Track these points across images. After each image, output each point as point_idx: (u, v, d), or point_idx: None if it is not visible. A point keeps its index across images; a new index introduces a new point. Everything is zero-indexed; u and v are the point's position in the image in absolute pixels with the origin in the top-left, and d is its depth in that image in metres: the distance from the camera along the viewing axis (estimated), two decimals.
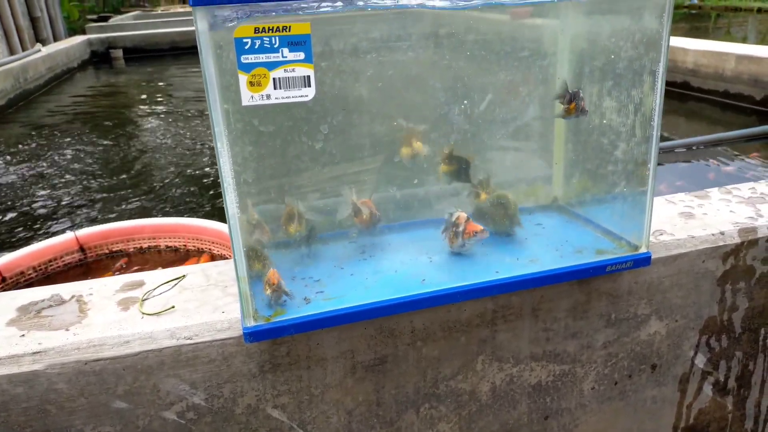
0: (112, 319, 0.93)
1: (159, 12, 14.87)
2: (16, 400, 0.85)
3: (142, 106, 6.25)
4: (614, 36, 1.00)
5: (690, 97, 4.70)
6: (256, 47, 0.71)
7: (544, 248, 1.06)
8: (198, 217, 2.53)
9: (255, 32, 0.70)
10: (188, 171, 3.93)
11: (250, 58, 0.71)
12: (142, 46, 9.84)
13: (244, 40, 0.70)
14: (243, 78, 0.72)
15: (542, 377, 1.13)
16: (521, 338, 1.08)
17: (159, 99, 6.58)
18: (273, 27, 0.71)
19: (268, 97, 0.74)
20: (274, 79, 0.73)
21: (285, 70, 0.73)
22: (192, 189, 3.61)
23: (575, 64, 1.10)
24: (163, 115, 5.77)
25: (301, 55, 0.73)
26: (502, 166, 1.17)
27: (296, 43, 0.72)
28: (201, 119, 5.44)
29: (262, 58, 0.72)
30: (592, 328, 1.13)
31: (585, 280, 1.07)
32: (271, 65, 0.72)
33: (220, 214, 3.15)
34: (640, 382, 1.22)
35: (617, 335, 1.16)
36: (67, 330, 0.91)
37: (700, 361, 1.25)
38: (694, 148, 3.32)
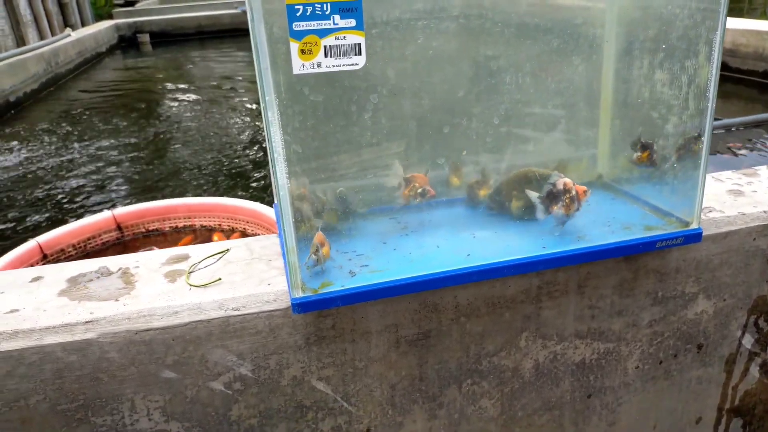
0: (159, 290, 0.94)
1: None
2: (70, 368, 0.87)
3: (170, 89, 6.31)
4: (667, 4, 0.97)
5: (727, 78, 4.57)
6: (308, 14, 0.70)
7: (591, 224, 1.03)
8: (230, 196, 2.55)
9: None
10: (220, 151, 3.96)
11: (302, 26, 0.70)
12: (169, 31, 9.92)
13: (296, 7, 0.70)
14: (294, 46, 0.71)
15: (586, 355, 1.12)
16: (566, 315, 1.06)
17: (187, 82, 6.63)
18: None
19: (319, 65, 0.73)
20: (325, 46, 0.72)
21: (336, 38, 0.72)
22: (225, 169, 3.64)
23: (623, 36, 1.07)
24: (192, 98, 5.82)
25: (353, 22, 0.72)
26: (546, 143, 1.15)
27: (348, 9, 0.71)
28: (230, 101, 5.47)
29: (314, 25, 0.71)
30: (639, 306, 1.11)
31: (632, 257, 1.05)
32: (323, 32, 0.71)
33: (253, 194, 3.18)
34: (685, 362, 1.20)
35: (664, 314, 1.13)
36: (116, 300, 0.92)
37: (748, 341, 1.22)
38: (733, 129, 3.23)
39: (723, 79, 4.61)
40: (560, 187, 0.96)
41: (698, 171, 0.98)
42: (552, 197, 0.97)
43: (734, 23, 4.66)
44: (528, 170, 1.01)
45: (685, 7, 0.92)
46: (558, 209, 0.97)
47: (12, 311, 0.90)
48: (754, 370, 1.25)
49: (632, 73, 1.08)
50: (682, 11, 0.92)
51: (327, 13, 0.70)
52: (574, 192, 0.96)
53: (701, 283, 1.13)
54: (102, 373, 0.88)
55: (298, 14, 0.69)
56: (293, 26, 0.70)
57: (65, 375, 0.87)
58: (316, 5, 0.70)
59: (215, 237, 2.02)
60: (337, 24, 0.71)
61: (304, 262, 0.88)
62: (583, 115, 1.17)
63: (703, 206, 1.14)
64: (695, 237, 1.01)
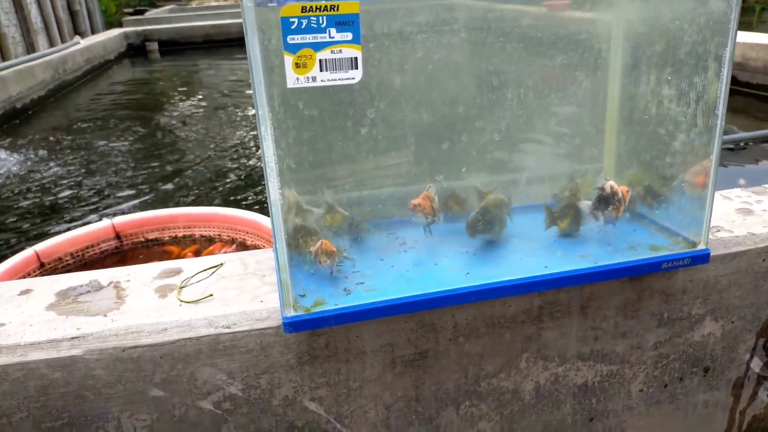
0: (149, 306, 0.92)
1: (194, 6, 15.06)
2: (55, 385, 0.84)
3: (177, 98, 6.32)
4: (675, 20, 0.94)
5: (737, 92, 4.54)
6: (303, 27, 0.68)
7: (595, 243, 1.01)
8: (232, 207, 2.53)
9: (302, 11, 0.67)
10: (223, 161, 3.95)
11: (297, 39, 0.68)
12: (177, 39, 9.97)
13: (291, 20, 0.68)
14: (288, 59, 0.69)
15: (589, 377, 1.09)
16: (568, 336, 1.03)
17: (194, 90, 6.65)
18: (321, 6, 0.68)
19: (314, 79, 0.71)
20: (320, 60, 0.70)
21: (332, 51, 0.70)
22: (227, 179, 3.62)
23: (629, 51, 1.05)
24: (197, 106, 5.83)
25: (349, 36, 0.70)
26: (550, 159, 1.12)
27: (344, 23, 0.69)
28: (234, 110, 5.48)
29: (309, 38, 0.69)
30: (643, 327, 1.07)
31: (637, 278, 1.02)
32: (318, 46, 0.69)
33: (254, 205, 3.16)
34: (691, 386, 1.16)
35: (669, 335, 1.10)
36: (105, 316, 0.90)
37: (756, 365, 1.18)
38: (742, 144, 3.20)
39: (732, 93, 4.57)
40: (609, 190, 0.96)
41: (706, 190, 0.95)
42: (603, 201, 0.97)
43: (744, 37, 4.63)
44: (501, 198, 1.00)
45: (694, 23, 0.90)
46: (610, 212, 0.98)
47: None
48: (763, 395, 1.22)
49: (639, 88, 1.05)
50: (691, 26, 0.90)
51: (323, 26, 0.68)
52: (620, 194, 0.96)
53: (708, 304, 1.10)
54: (87, 391, 0.86)
55: (293, 27, 0.67)
56: (288, 39, 0.68)
57: (50, 392, 0.84)
58: (312, 18, 0.68)
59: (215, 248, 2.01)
60: (333, 37, 0.69)
61: (300, 282, 0.85)
62: (588, 131, 1.14)
63: (711, 225, 1.11)
64: (703, 258, 0.97)
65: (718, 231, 1.11)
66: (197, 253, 1.95)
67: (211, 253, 1.93)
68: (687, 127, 0.96)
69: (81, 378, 0.85)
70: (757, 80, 4.43)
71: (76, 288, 0.99)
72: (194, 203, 3.23)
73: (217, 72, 7.92)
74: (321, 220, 0.94)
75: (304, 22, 0.68)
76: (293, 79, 0.70)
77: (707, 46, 0.89)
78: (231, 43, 9.79)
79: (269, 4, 0.66)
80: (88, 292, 0.98)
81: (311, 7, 0.67)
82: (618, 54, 1.06)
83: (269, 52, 0.69)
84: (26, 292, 0.98)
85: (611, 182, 0.97)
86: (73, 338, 0.85)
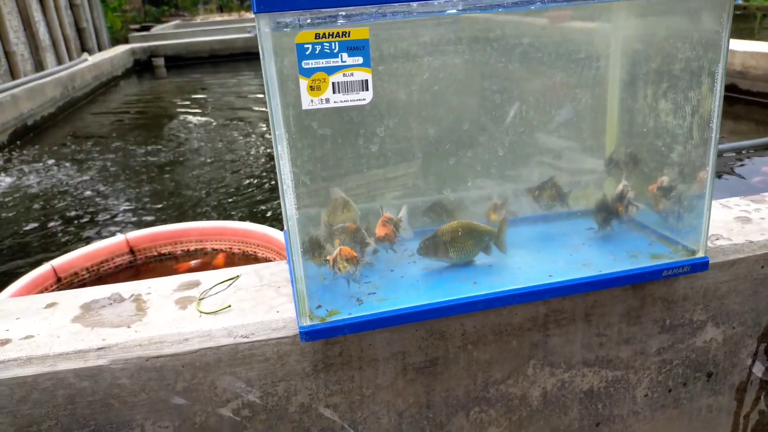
0: (171, 317, 0.96)
1: (198, 21, 15.23)
2: (82, 394, 0.88)
3: (184, 113, 6.41)
4: (670, 37, 0.99)
5: (738, 100, 4.57)
6: (317, 52, 0.73)
7: (597, 252, 1.04)
8: (242, 220, 2.58)
9: (316, 38, 0.72)
10: (233, 175, 4.01)
11: (311, 63, 0.73)
12: (183, 55, 10.10)
13: (305, 46, 0.72)
14: (303, 83, 0.73)
15: (594, 383, 1.12)
16: (574, 343, 1.07)
17: (200, 105, 6.73)
18: (333, 33, 0.72)
19: (327, 101, 0.75)
20: (333, 83, 0.74)
21: (344, 75, 0.74)
22: (236, 193, 3.68)
23: (627, 66, 1.09)
24: (205, 121, 5.91)
25: (360, 60, 0.74)
26: (551, 170, 1.16)
27: (355, 47, 0.73)
28: (241, 124, 5.54)
29: (322, 63, 0.73)
30: (646, 333, 1.11)
31: (639, 285, 1.06)
32: (331, 70, 0.74)
33: (264, 218, 3.21)
34: (695, 391, 1.19)
35: (672, 341, 1.13)
36: (128, 327, 0.94)
37: (758, 369, 1.21)
38: (743, 151, 3.23)
39: (733, 101, 4.61)
40: (623, 191, 1.07)
41: (703, 200, 0.99)
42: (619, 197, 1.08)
43: (744, 45, 4.67)
44: (470, 222, 1.02)
45: (687, 40, 0.94)
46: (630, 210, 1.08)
47: (27, 337, 0.92)
48: (766, 399, 1.24)
49: (637, 102, 1.09)
50: (684, 44, 0.94)
51: (335, 51, 0.73)
52: (631, 193, 1.07)
53: (709, 310, 1.13)
54: (113, 399, 0.90)
55: (307, 52, 0.72)
56: (302, 64, 0.72)
57: (77, 401, 0.88)
58: (325, 44, 0.72)
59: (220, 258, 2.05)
60: (345, 61, 0.73)
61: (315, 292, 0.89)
62: (587, 143, 1.18)
63: (710, 234, 1.15)
64: (702, 266, 1.01)
65: (717, 239, 1.14)
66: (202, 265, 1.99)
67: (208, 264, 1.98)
68: (683, 139, 1.00)
69: (107, 387, 0.89)
70: (758, 88, 4.47)
71: (99, 301, 1.03)
72: (205, 217, 3.28)
73: (223, 87, 8.01)
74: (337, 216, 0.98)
75: (318, 47, 0.72)
76: (308, 101, 0.74)
77: (701, 63, 0.93)
78: (236, 57, 9.91)
79: (284, 30, 0.71)
80: (111, 304, 1.02)
81: (324, 33, 0.72)
82: (616, 69, 1.10)
83: (285, 76, 0.74)
84: (52, 305, 1.02)
85: (623, 183, 1.06)
86: (99, 349, 0.89)
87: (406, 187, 1.05)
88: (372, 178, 0.96)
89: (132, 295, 1.04)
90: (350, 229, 0.95)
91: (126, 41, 11.14)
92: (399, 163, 1.01)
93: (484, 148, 1.05)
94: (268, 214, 3.32)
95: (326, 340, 0.93)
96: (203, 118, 6.04)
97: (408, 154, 1.01)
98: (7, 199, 3.79)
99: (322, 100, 0.74)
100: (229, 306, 0.98)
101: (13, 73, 7.08)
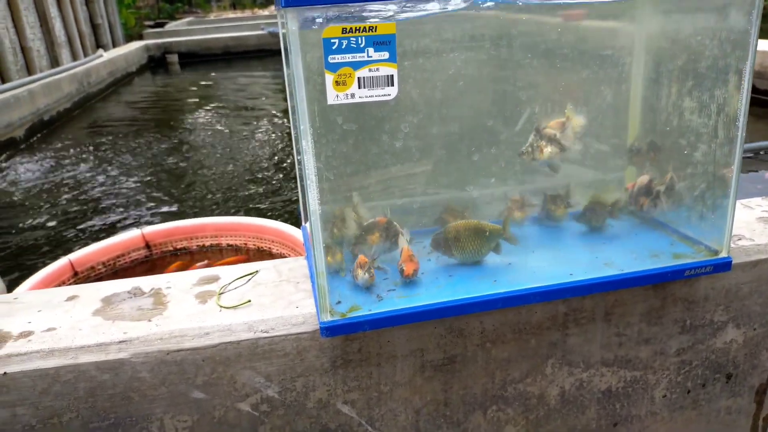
0: (191, 311, 0.96)
1: (212, 18, 15.30)
2: (103, 387, 0.89)
3: (198, 109, 6.44)
4: (696, 34, 0.98)
5: (756, 101, 4.51)
6: (343, 47, 0.72)
7: (619, 251, 1.03)
8: (257, 216, 2.58)
9: (342, 32, 0.71)
10: (246, 171, 4.02)
11: (337, 58, 0.73)
12: (197, 51, 10.14)
13: (332, 41, 0.72)
14: (329, 78, 0.73)
15: (613, 383, 1.11)
16: (593, 342, 1.06)
17: (214, 101, 6.76)
18: (360, 27, 0.72)
19: (353, 96, 0.75)
20: (359, 78, 0.74)
21: (369, 70, 0.74)
22: (252, 188, 3.69)
23: (651, 63, 1.08)
24: (218, 117, 5.93)
25: (386, 55, 0.74)
26: (573, 168, 1.15)
27: (382, 42, 0.73)
28: (255, 120, 5.56)
29: (348, 57, 0.73)
30: (666, 334, 1.10)
31: (660, 285, 1.05)
32: (357, 65, 0.74)
33: (279, 214, 3.22)
34: (714, 392, 1.18)
35: (692, 342, 1.12)
36: (149, 321, 0.94)
37: None
38: (761, 152, 3.19)
39: (751, 102, 4.55)
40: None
41: (727, 199, 0.98)
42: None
43: (762, 45, 4.61)
44: (477, 222, 1.02)
45: (715, 37, 0.93)
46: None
47: (49, 329, 0.92)
48: None
49: (661, 100, 1.08)
50: (712, 42, 0.93)
51: (362, 46, 0.72)
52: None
53: (731, 311, 1.12)
54: (133, 393, 0.90)
55: (333, 47, 0.72)
56: (329, 59, 0.72)
57: (98, 393, 0.89)
58: (351, 39, 0.72)
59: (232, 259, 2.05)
60: (371, 57, 0.73)
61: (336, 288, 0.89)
62: (610, 141, 1.17)
63: (732, 234, 1.13)
64: (725, 266, 1.00)
65: (740, 239, 1.13)
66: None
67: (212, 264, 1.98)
68: (708, 138, 0.99)
69: (127, 380, 0.89)
70: None
71: (120, 294, 1.03)
72: (220, 212, 3.29)
73: (236, 83, 8.04)
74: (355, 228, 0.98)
75: (344, 42, 0.72)
76: (333, 96, 0.74)
77: (728, 60, 0.92)
78: (249, 54, 9.94)
79: (313, 27, 0.71)
80: (131, 298, 1.02)
81: (351, 28, 0.72)
82: (640, 67, 1.09)
83: (310, 71, 0.74)
84: (72, 298, 1.03)
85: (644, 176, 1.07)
86: (120, 342, 0.89)
87: (424, 184, 1.04)
88: (393, 174, 0.96)
89: (152, 289, 1.05)
90: (381, 224, 0.95)
91: (140, 38, 11.21)
92: (418, 160, 1.00)
93: (504, 145, 1.04)
94: (281, 209, 3.32)
95: (345, 336, 0.93)
96: (217, 114, 6.07)
97: (427, 151, 1.01)
98: (24, 194, 3.82)
99: (347, 95, 0.74)
100: (249, 301, 0.98)
101: (29, 69, 7.15)
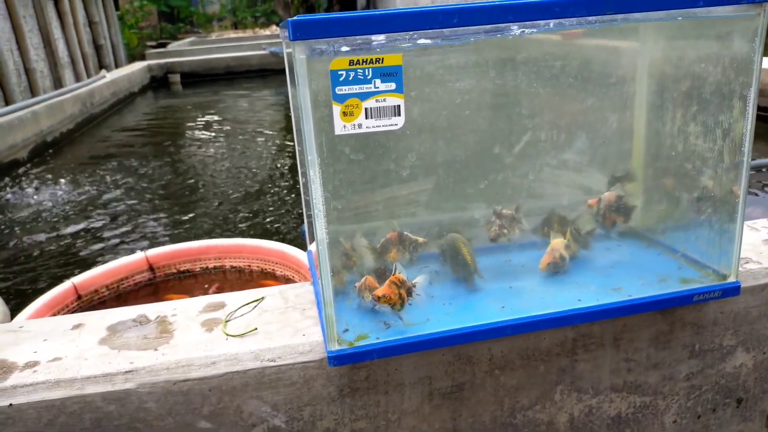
0: (197, 339, 0.96)
1: (213, 38, 15.44)
2: (109, 418, 0.88)
3: (200, 129, 6.47)
4: (699, 60, 0.98)
5: (756, 118, 4.52)
6: (350, 79, 0.73)
7: (627, 276, 1.03)
8: (261, 237, 2.58)
9: (350, 64, 0.72)
10: (249, 193, 4.03)
11: (344, 90, 0.73)
12: (199, 71, 10.21)
13: (339, 72, 0.72)
14: (336, 108, 0.74)
15: (622, 409, 1.10)
16: (602, 368, 1.05)
17: (216, 122, 6.79)
18: (367, 59, 0.72)
19: (360, 126, 0.75)
20: (366, 109, 0.74)
21: (377, 100, 0.75)
22: (255, 209, 3.69)
23: (655, 88, 1.09)
24: (221, 137, 5.96)
25: (393, 86, 0.75)
26: (577, 192, 1.15)
27: (388, 74, 0.74)
28: (258, 141, 5.58)
29: (356, 89, 0.73)
30: (675, 358, 1.09)
31: (668, 310, 1.04)
32: (364, 96, 0.74)
33: (283, 235, 3.22)
34: (724, 417, 1.17)
35: (701, 367, 1.11)
36: (155, 350, 0.94)
37: None
38: (763, 170, 3.20)
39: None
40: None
41: (734, 224, 0.98)
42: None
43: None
44: (460, 245, 1.03)
45: (719, 64, 0.93)
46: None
47: (55, 359, 0.92)
48: None
49: (665, 124, 1.08)
50: (715, 68, 0.94)
51: (369, 77, 0.73)
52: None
53: (740, 335, 1.11)
54: (140, 423, 0.89)
55: (341, 79, 0.72)
56: (336, 90, 0.73)
57: (104, 424, 0.88)
58: (359, 70, 0.72)
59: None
60: (378, 88, 0.74)
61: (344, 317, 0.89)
62: (616, 165, 1.17)
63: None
64: (733, 290, 0.99)
65: (747, 262, 1.12)
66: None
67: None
68: (714, 162, 0.99)
69: (134, 411, 0.88)
70: None
71: (126, 322, 1.03)
72: (224, 234, 3.29)
73: (238, 102, 8.09)
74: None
75: (352, 74, 0.73)
76: (341, 127, 0.74)
77: (732, 86, 0.92)
78: (251, 74, 10.01)
79: (320, 51, 0.71)
80: (137, 326, 1.02)
81: (358, 60, 0.72)
82: (643, 91, 1.10)
83: (317, 102, 0.74)
84: (78, 326, 1.02)
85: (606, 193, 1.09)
86: (126, 372, 0.89)
87: (433, 207, 1.05)
88: (400, 200, 0.96)
89: (158, 317, 1.04)
90: (394, 239, 0.95)
91: (142, 58, 11.30)
92: (425, 183, 1.00)
93: (511, 169, 1.05)
94: (285, 230, 3.32)
95: (353, 365, 0.93)
96: (220, 136, 6.09)
97: (432, 173, 1.01)
98: (26, 216, 3.83)
99: (354, 125, 0.75)
100: (256, 329, 0.97)
101: (32, 90, 7.20)
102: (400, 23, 0.72)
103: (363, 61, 0.72)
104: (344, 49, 0.71)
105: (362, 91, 0.74)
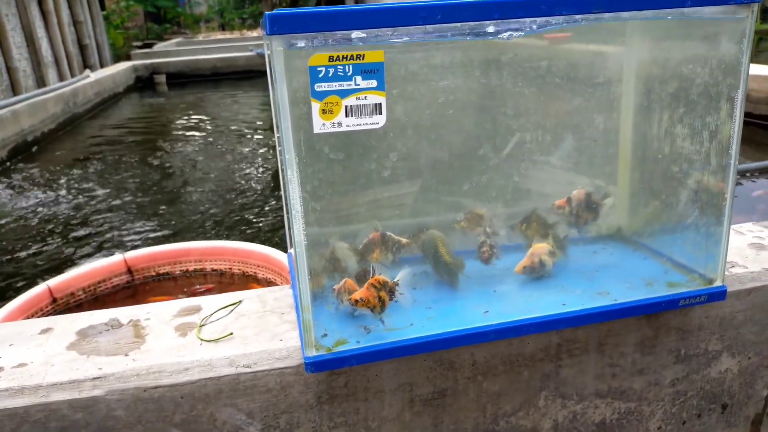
0: (170, 344, 0.92)
1: (201, 39, 15.34)
2: (76, 426, 0.84)
3: (184, 131, 6.40)
4: (686, 62, 0.97)
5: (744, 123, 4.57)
6: (330, 75, 0.70)
7: (612, 280, 1.01)
8: (243, 239, 2.55)
9: (329, 60, 0.69)
10: (232, 194, 3.98)
11: (324, 86, 0.70)
12: (185, 72, 10.13)
13: (318, 69, 0.70)
14: (315, 106, 0.71)
15: (607, 415, 1.08)
16: (586, 374, 1.03)
17: (201, 123, 6.73)
18: (347, 55, 0.70)
19: (339, 124, 0.73)
20: (346, 106, 0.72)
21: (357, 98, 0.72)
22: (238, 211, 3.65)
23: (642, 90, 1.07)
24: (205, 139, 5.90)
25: (374, 83, 0.72)
26: (561, 194, 1.14)
27: (369, 71, 0.71)
28: (243, 142, 5.54)
29: (335, 86, 0.71)
30: (660, 364, 1.07)
31: (654, 314, 1.02)
32: (344, 93, 0.71)
33: (263, 238, 3.17)
34: (709, 423, 1.16)
35: (686, 372, 1.10)
36: (126, 355, 0.90)
37: None
38: (747, 174, 3.22)
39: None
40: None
41: (721, 227, 0.96)
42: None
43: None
44: (439, 243, 1.01)
45: (706, 65, 0.92)
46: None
47: (20, 365, 0.88)
48: None
49: (652, 126, 1.07)
50: (703, 69, 0.92)
51: (349, 74, 0.70)
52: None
53: (725, 340, 1.10)
54: (108, 431, 0.86)
55: (320, 75, 0.70)
56: (315, 87, 0.70)
57: None
58: (338, 67, 0.70)
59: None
60: (358, 85, 0.71)
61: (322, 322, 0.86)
62: (602, 168, 1.16)
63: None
64: (720, 295, 0.98)
65: (733, 267, 1.11)
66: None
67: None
68: (701, 165, 0.97)
69: (102, 419, 0.85)
70: (760, 111, 4.48)
71: (96, 326, 0.99)
72: (205, 237, 3.24)
73: (224, 104, 8.03)
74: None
75: (331, 70, 0.70)
76: (320, 125, 0.72)
77: (719, 88, 0.91)
78: (238, 75, 9.94)
79: (297, 52, 0.69)
80: (108, 330, 0.98)
81: (338, 56, 0.70)
82: (630, 93, 1.08)
83: (295, 99, 0.71)
84: (47, 330, 0.98)
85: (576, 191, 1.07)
86: (95, 378, 0.85)
87: (416, 208, 1.02)
88: (382, 201, 0.94)
89: (130, 321, 1.01)
90: (376, 239, 0.92)
91: (128, 58, 11.19)
92: (407, 184, 0.98)
93: (495, 169, 1.03)
94: (268, 233, 3.28)
95: (331, 371, 0.90)
96: (204, 136, 6.03)
97: (416, 173, 0.99)
98: (3, 216, 3.75)
99: (334, 123, 0.72)
100: (231, 333, 0.94)
101: (14, 89, 7.09)
102: (380, 19, 0.70)
103: (343, 57, 0.70)
104: (324, 44, 0.69)
105: (342, 88, 0.71)
